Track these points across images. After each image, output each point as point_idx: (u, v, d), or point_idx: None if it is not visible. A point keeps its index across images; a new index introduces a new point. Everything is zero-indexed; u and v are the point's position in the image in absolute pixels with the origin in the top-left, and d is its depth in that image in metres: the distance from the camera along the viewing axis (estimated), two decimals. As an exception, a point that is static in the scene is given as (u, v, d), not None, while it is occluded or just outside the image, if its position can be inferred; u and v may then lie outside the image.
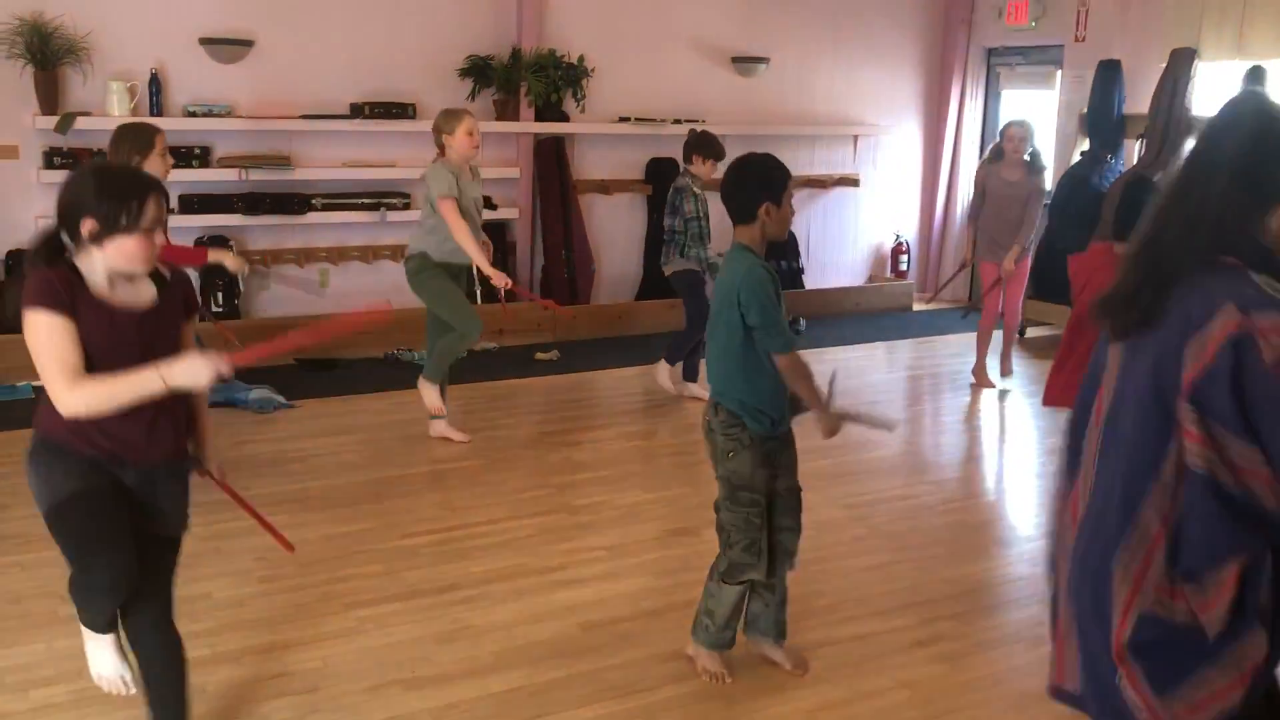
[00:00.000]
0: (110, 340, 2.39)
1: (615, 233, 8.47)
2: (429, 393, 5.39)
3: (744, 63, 8.54)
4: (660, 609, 3.69)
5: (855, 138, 9.25)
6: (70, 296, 2.35)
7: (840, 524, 4.48)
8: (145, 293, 2.49)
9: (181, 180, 6.70)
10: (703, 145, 6.00)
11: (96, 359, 2.38)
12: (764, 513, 3.12)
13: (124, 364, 2.38)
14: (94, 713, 2.90)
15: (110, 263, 2.39)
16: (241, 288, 7.19)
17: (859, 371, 7.14)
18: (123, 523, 2.50)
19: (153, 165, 4.43)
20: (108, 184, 2.41)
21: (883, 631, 3.60)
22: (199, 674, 3.12)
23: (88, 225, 2.36)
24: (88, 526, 2.47)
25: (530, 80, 7.61)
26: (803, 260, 9.14)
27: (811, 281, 9.14)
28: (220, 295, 7.09)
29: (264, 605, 3.66)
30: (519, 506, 4.60)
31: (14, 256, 6.21)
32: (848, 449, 5.20)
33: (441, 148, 5.17)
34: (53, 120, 6.30)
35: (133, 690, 2.64)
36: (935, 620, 3.69)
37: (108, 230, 2.36)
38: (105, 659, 2.61)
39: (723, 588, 3.19)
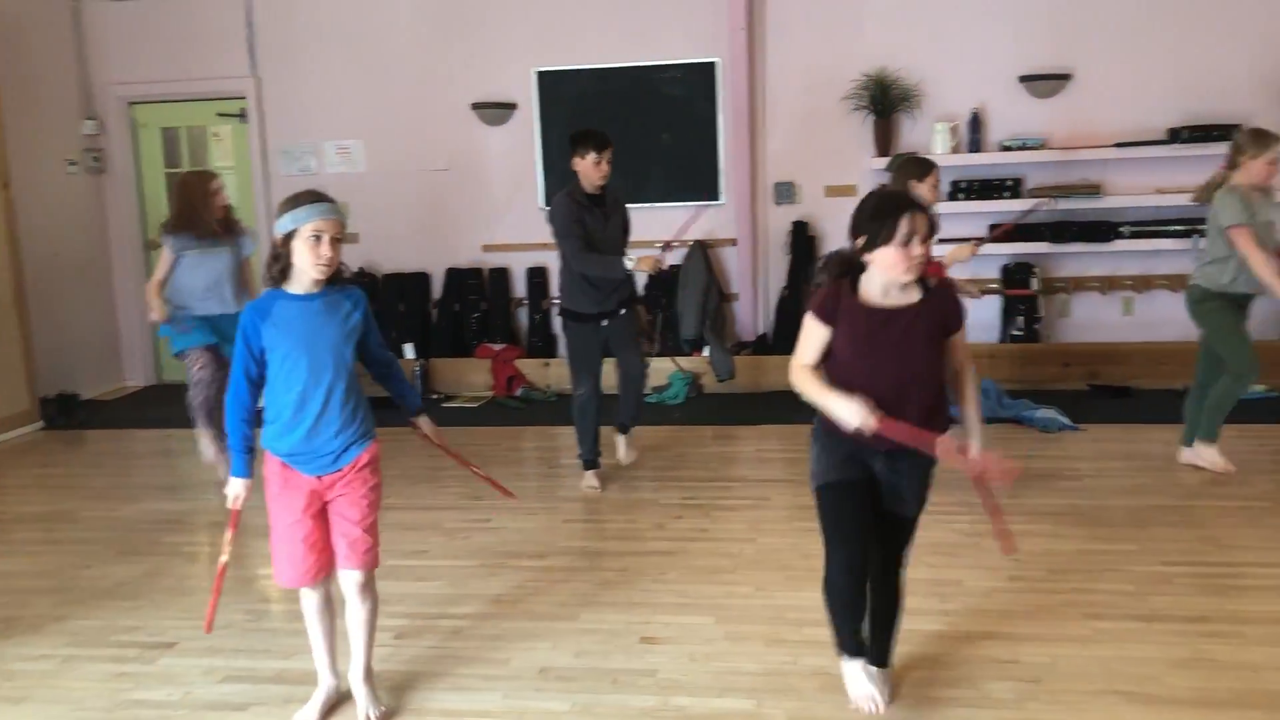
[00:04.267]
0: (865, 331, 2.84)
1: None
2: (1207, 454, 5.17)
3: None
4: None
5: None
6: (834, 307, 2.85)
7: None
8: (911, 299, 2.87)
9: (992, 211, 7.20)
10: None
11: (855, 349, 2.85)
12: None
13: (879, 353, 2.82)
14: (829, 656, 3.36)
15: (878, 271, 2.85)
16: (1041, 313, 7.44)
17: None
18: (859, 518, 2.96)
19: (921, 191, 4.68)
20: (874, 207, 2.86)
21: None
22: (927, 643, 3.49)
23: (859, 241, 2.85)
24: (829, 517, 3.00)
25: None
26: None
27: None
28: (1021, 320, 7.43)
29: (1008, 600, 3.88)
30: (1303, 555, 4.19)
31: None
32: None
33: (1234, 168, 4.88)
34: (884, 161, 7.20)
35: (883, 708, 3.08)
36: None
37: (870, 244, 2.81)
38: (852, 682, 3.12)
39: None
